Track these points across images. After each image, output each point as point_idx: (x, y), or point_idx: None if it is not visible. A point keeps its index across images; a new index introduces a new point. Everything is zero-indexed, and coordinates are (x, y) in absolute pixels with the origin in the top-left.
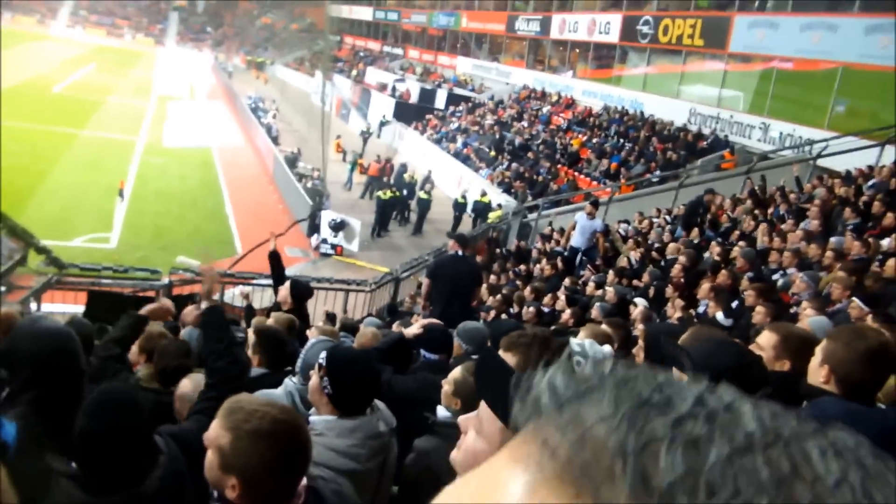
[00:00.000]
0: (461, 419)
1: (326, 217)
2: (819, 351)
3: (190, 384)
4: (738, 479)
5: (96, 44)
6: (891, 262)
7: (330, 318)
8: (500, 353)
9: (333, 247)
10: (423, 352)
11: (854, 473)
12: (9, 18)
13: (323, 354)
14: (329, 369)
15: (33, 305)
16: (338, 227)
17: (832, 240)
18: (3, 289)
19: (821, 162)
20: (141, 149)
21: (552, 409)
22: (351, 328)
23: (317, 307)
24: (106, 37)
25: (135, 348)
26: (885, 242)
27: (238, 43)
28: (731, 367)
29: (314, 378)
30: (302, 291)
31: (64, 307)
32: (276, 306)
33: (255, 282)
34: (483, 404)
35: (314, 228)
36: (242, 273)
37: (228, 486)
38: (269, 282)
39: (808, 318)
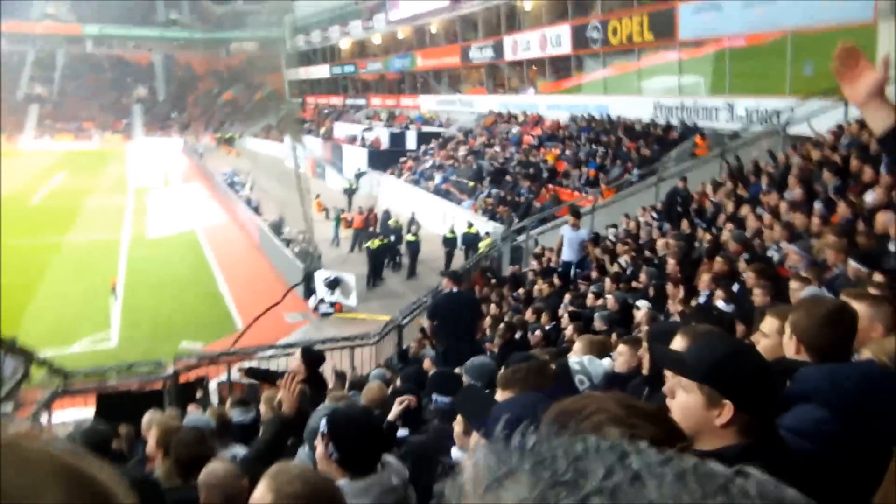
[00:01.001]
0: (456, 450)
1: (320, 276)
2: (786, 325)
3: (221, 469)
4: None
5: (66, 150)
6: (879, 216)
7: (339, 377)
8: (499, 392)
9: (332, 304)
10: (434, 397)
11: None
12: None
13: (323, 421)
14: (332, 434)
15: (44, 418)
16: (333, 284)
17: (816, 205)
18: (10, 407)
19: (792, 130)
20: (126, 244)
21: (476, 495)
22: (360, 385)
23: (324, 368)
24: (74, 141)
25: (152, 443)
26: (869, 198)
27: (204, 123)
28: (723, 357)
29: (319, 446)
30: (314, 359)
31: (75, 413)
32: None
33: (259, 355)
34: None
35: (310, 290)
36: (246, 349)
37: None
38: (272, 353)
39: (801, 292)
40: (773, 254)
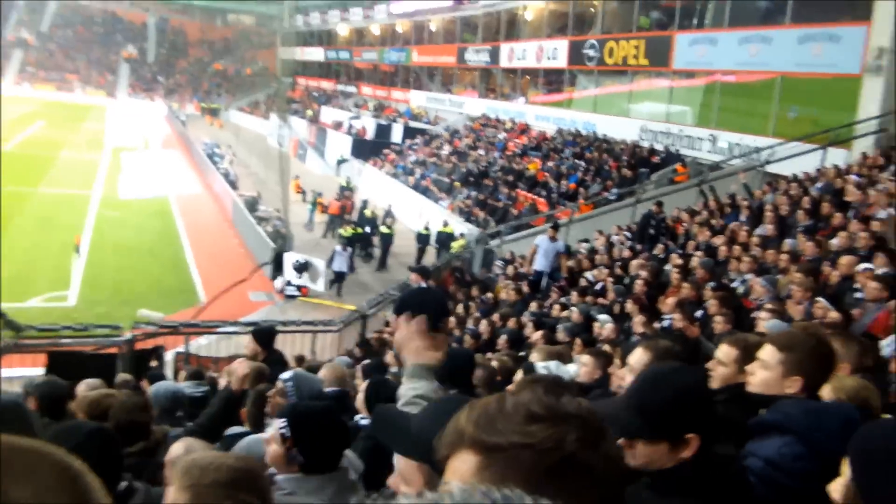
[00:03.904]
0: (390, 481)
1: (289, 258)
2: (784, 362)
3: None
4: None
5: (46, 99)
6: (843, 259)
7: (298, 360)
8: None
9: (298, 288)
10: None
11: None
12: None
13: (283, 423)
14: (297, 438)
15: None
16: (301, 267)
17: (786, 242)
18: None
19: (769, 168)
20: (96, 202)
21: None
22: (315, 370)
23: (285, 351)
24: (55, 91)
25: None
26: (835, 242)
27: (191, 90)
28: (671, 400)
29: (276, 448)
30: (265, 336)
31: (23, 371)
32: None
33: (219, 330)
34: (396, 457)
35: (278, 271)
36: (207, 322)
37: None
38: (234, 329)
39: (766, 323)
40: (737, 285)
